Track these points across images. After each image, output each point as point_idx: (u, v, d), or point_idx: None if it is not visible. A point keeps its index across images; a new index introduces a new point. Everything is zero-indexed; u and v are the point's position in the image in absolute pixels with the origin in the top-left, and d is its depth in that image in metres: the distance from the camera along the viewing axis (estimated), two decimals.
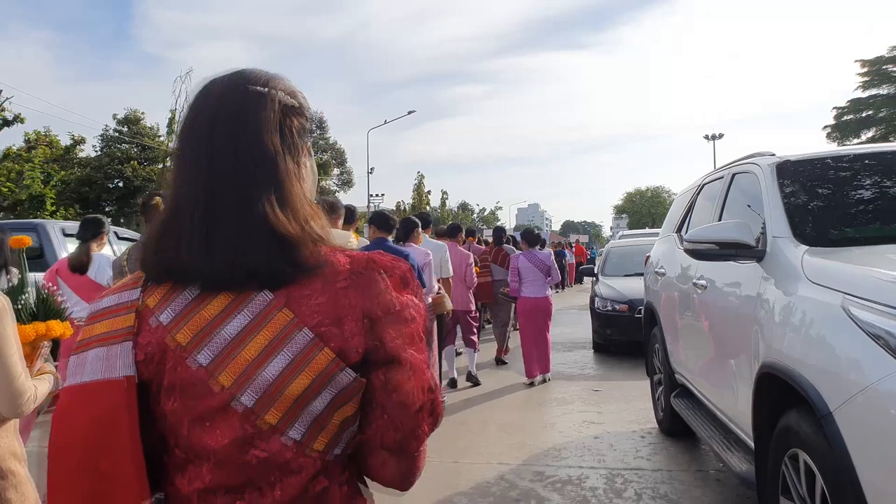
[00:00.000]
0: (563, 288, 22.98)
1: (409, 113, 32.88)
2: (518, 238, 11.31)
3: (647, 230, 18.91)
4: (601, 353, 9.14)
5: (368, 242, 6.14)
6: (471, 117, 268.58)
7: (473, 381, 7.43)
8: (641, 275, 9.58)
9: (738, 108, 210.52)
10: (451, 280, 6.47)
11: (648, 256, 5.89)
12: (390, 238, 5.19)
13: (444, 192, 58.47)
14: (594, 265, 33.84)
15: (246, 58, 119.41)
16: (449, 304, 5.76)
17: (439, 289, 5.85)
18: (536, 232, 8.07)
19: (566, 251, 23.97)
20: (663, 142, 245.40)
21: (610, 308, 8.60)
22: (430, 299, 5.59)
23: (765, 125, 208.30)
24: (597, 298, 8.88)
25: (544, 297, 7.49)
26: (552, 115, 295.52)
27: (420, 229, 5.84)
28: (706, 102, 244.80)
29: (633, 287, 8.77)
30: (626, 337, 8.45)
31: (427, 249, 5.67)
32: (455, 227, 8.17)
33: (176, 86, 32.56)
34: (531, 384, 7.36)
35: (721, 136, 50.02)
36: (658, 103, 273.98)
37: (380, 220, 5.16)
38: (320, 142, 49.24)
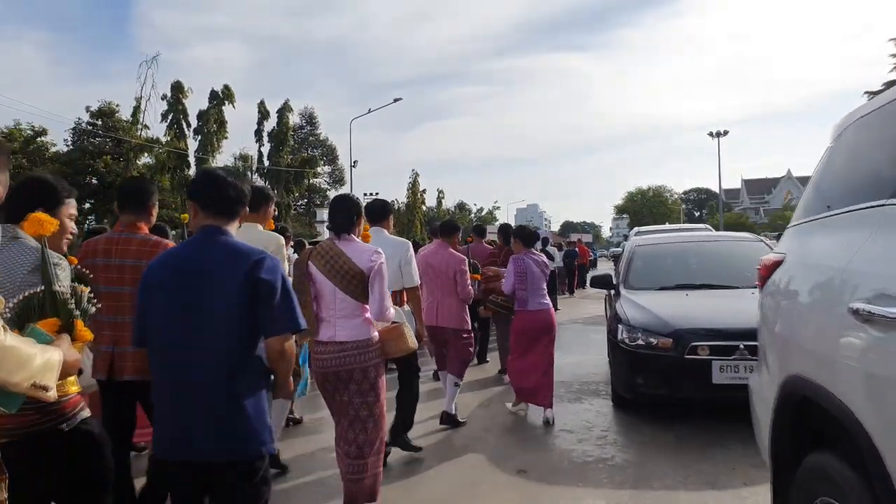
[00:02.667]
0: (567, 293, 19.66)
1: (395, 101, 29.63)
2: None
3: (668, 226, 15.39)
4: (627, 410, 5.75)
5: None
6: (469, 118, 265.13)
7: (451, 422, 5.39)
8: (689, 288, 5.87)
9: (741, 106, 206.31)
10: (419, 292, 4.46)
11: (770, 265, 2.46)
12: (233, 226, 2.44)
13: (440, 191, 55.39)
14: (594, 268, 30.37)
15: (244, 58, 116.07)
16: (411, 341, 3.52)
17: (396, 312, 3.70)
18: (533, 228, 6.12)
19: (577, 251, 20.42)
20: (664, 141, 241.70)
21: (642, 342, 5.20)
22: (375, 333, 3.33)
23: (773, 122, 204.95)
24: (620, 326, 5.46)
25: (550, 309, 5.64)
26: (551, 115, 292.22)
27: (363, 218, 3.58)
28: (709, 101, 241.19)
29: (678, 309, 5.41)
30: (669, 392, 5.10)
31: (374, 248, 3.40)
32: (449, 224, 5.81)
33: (141, 71, 29.48)
34: (521, 413, 5.63)
35: (726, 132, 47.26)
36: (658, 103, 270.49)
37: (208, 197, 2.43)
38: (310, 138, 46.15)
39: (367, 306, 3.26)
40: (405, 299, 4.40)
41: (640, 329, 5.27)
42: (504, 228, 7.91)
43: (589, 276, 23.82)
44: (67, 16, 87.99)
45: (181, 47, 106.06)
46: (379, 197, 41.27)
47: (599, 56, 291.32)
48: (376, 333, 3.31)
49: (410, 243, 4.52)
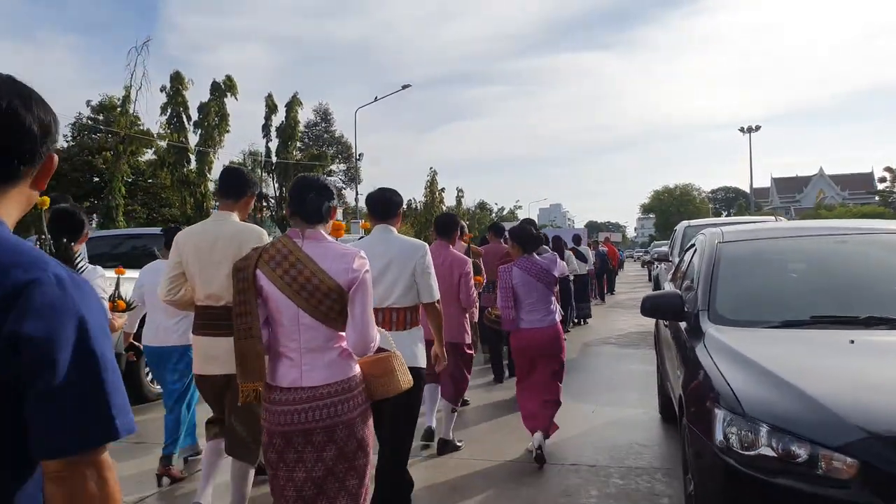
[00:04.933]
0: (597, 299, 16.74)
1: (404, 87, 26.87)
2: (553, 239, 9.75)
3: (724, 218, 12.03)
4: None
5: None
6: (492, 118, 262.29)
7: (449, 449, 4.56)
8: (846, 325, 2.59)
9: (768, 104, 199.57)
10: (439, 306, 3.49)
11: None
12: (10, 203, 1.06)
13: (460, 190, 52.42)
14: (622, 268, 26.82)
15: (267, 61, 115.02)
16: (404, 380, 2.37)
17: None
18: (535, 232, 4.66)
19: (605, 250, 17.27)
20: (688, 140, 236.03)
21: (776, 455, 2.25)
22: (357, 368, 2.30)
23: (801, 119, 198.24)
24: (720, 411, 2.49)
25: (552, 326, 4.48)
26: (575, 114, 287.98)
27: (337, 210, 2.43)
28: (733, 99, 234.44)
29: (855, 378, 2.47)
30: None
31: (356, 251, 2.26)
32: (445, 219, 4.77)
33: (131, 58, 27.09)
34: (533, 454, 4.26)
35: (758, 128, 44.36)
36: (682, 101, 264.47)
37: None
38: (325, 135, 43.78)
39: (344, 334, 2.22)
40: (405, 317, 3.48)
41: (768, 425, 2.32)
42: (525, 223, 5.69)
43: (617, 279, 20.80)
44: (97, 20, 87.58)
45: (207, 51, 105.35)
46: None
47: (623, 55, 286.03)
48: (358, 368, 2.29)
49: (427, 246, 3.60)
